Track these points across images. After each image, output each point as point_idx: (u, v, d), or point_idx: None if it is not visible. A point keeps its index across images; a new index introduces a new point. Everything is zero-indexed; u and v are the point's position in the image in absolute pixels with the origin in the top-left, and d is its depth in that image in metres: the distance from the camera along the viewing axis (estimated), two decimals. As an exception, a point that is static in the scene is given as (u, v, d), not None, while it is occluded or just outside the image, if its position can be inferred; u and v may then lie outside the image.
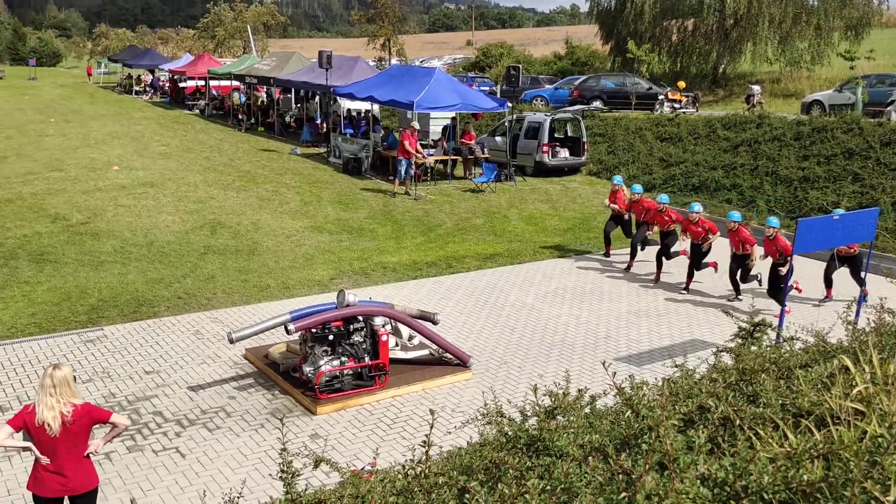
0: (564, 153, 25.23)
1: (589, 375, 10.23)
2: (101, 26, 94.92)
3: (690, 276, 14.22)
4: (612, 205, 15.77)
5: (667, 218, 14.56)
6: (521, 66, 28.43)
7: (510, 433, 3.48)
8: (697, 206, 13.94)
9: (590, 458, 2.90)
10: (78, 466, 5.79)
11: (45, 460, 5.69)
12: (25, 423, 5.66)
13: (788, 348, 4.45)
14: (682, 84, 32.46)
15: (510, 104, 25.11)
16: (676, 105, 29.45)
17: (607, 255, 16.18)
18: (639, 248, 15.44)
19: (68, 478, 5.75)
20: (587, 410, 3.91)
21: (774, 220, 12.74)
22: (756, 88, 29.56)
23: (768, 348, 4.40)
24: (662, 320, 12.40)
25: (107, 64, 66.00)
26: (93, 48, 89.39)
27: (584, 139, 25.24)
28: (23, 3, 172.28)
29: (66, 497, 5.84)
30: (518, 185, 23.19)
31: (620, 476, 2.61)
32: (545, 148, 24.58)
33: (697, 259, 14.11)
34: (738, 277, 13.45)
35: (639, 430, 3.03)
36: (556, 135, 25.76)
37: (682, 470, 2.48)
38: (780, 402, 3.27)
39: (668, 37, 40.93)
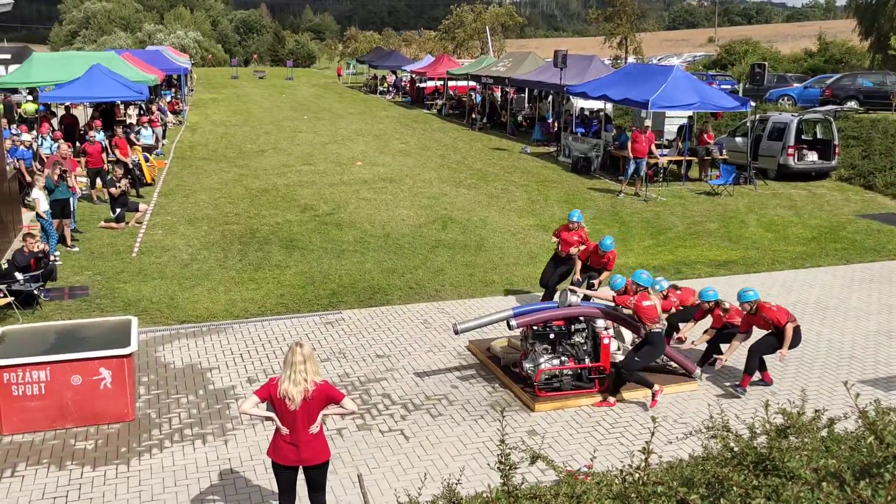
0: (812, 156, 23.55)
1: (828, 396, 9.50)
2: (351, 29, 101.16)
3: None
4: (556, 240, 12.50)
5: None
6: (766, 63, 26.90)
7: (736, 449, 3.32)
8: (655, 282, 10.00)
9: (824, 483, 2.71)
10: (312, 439, 6.22)
11: (284, 431, 6.18)
12: (270, 395, 6.17)
13: None
14: (954, 83, 29.12)
15: (753, 103, 23.81)
16: (947, 106, 26.48)
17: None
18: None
19: (303, 449, 6.20)
20: (824, 433, 3.65)
21: (654, 281, 9.58)
22: None
23: None
24: (918, 343, 11.25)
25: (355, 65, 70.33)
26: (343, 50, 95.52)
27: (836, 142, 23.41)
28: (283, 9, 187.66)
29: (300, 466, 6.31)
30: (758, 189, 21.95)
31: (859, 506, 2.42)
32: (791, 150, 23.09)
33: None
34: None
35: (882, 459, 2.79)
36: (803, 136, 24.11)
37: (933, 508, 2.25)
38: None
39: (941, 31, 36.95)
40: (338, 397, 6.23)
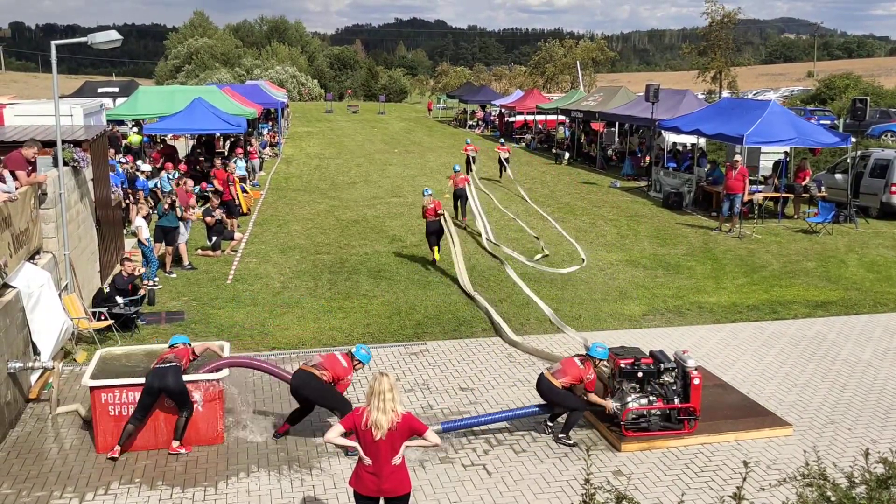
0: (918, 194, 22.55)
1: (935, 448, 8.98)
2: (443, 65, 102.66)
3: None
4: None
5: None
6: (868, 98, 25.97)
7: (833, 499, 3.17)
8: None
9: (931, 540, 2.55)
10: (394, 470, 6.23)
11: (367, 461, 6.21)
12: (355, 425, 6.22)
13: None
14: None
15: (854, 139, 23.00)
16: None
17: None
18: None
19: (384, 480, 6.21)
20: (930, 486, 3.44)
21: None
22: None
23: None
24: None
25: (445, 100, 71.26)
26: (434, 85, 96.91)
27: (944, 179, 22.37)
28: (377, 45, 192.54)
29: (381, 497, 6.31)
30: (859, 228, 21.12)
31: (970, 568, 2.26)
32: (894, 188, 22.18)
33: None
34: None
35: None
36: (907, 174, 23.12)
37: None
38: None
39: None
40: (421, 429, 6.24)
